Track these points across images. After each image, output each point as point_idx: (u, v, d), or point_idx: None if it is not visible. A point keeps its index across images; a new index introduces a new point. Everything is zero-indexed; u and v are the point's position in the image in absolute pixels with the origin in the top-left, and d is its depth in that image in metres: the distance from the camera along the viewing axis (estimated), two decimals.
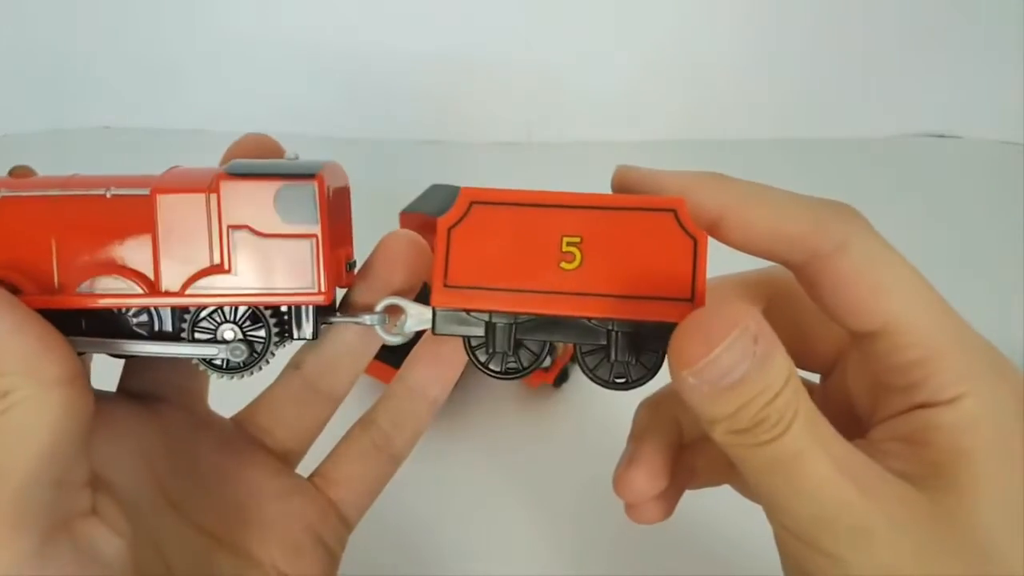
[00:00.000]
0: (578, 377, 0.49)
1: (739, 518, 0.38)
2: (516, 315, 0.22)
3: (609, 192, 0.24)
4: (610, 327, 0.22)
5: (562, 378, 0.48)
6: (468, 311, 0.22)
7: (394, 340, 0.25)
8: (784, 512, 0.20)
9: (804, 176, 0.74)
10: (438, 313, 0.23)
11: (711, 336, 0.18)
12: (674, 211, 0.22)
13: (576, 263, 0.22)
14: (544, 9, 0.75)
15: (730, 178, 0.23)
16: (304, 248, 0.22)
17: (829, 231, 0.21)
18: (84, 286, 0.22)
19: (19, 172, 0.25)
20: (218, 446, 0.27)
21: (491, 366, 0.23)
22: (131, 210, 0.23)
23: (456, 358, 0.28)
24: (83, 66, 0.80)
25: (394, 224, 0.51)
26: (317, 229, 0.22)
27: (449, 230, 0.22)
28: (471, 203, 0.22)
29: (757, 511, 0.22)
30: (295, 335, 0.24)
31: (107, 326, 0.23)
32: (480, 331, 0.23)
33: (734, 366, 0.18)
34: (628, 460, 0.27)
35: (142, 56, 0.80)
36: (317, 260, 0.23)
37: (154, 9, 0.77)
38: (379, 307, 0.24)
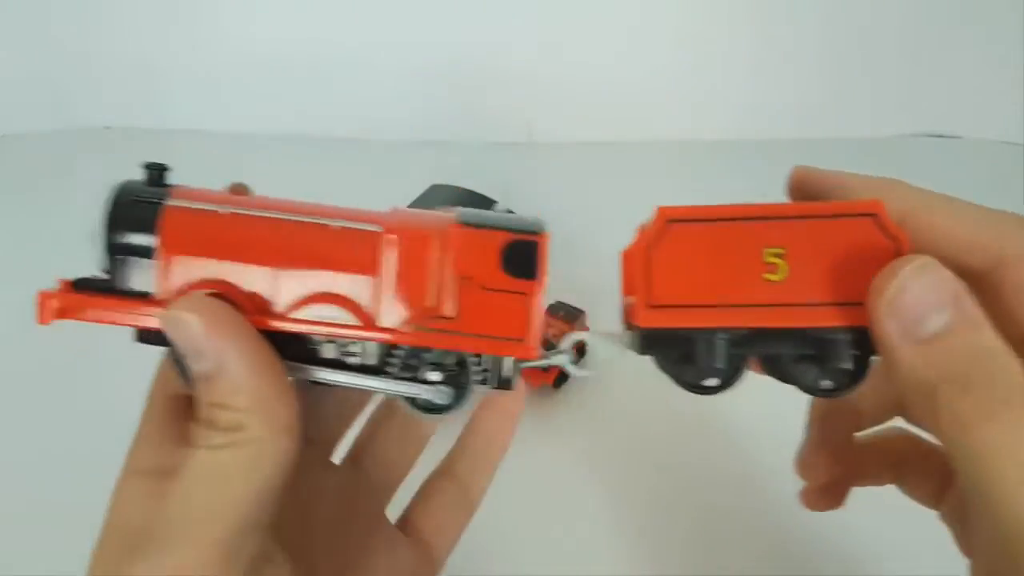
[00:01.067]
0: (578, 378, 0.49)
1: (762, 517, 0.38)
2: (726, 330, 0.22)
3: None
4: (822, 335, 0.22)
5: (562, 379, 0.48)
6: (676, 329, 0.22)
7: (583, 374, 0.25)
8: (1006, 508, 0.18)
9: None
10: (644, 334, 0.23)
11: (897, 267, 0.20)
12: (874, 215, 0.22)
13: (781, 274, 0.22)
14: (545, 10, 0.75)
15: (912, 185, 0.24)
16: (521, 302, 0.23)
17: (1014, 239, 0.22)
18: (301, 311, 0.22)
19: (237, 189, 0.25)
20: (338, 492, 0.27)
21: (700, 382, 0.23)
22: (357, 244, 0.23)
23: (519, 404, 0.29)
24: (83, 66, 0.80)
25: None
26: (537, 285, 0.23)
27: (648, 249, 0.22)
28: (668, 221, 0.22)
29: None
30: (493, 383, 0.24)
31: (300, 352, 0.23)
32: (682, 348, 0.23)
33: (933, 306, 0.19)
34: (813, 441, 0.27)
35: (142, 56, 0.80)
36: (532, 315, 0.23)
37: (155, 10, 0.78)
38: (565, 344, 0.25)
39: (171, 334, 0.21)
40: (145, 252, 0.22)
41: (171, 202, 0.23)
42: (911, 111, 0.79)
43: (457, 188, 0.53)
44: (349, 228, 0.23)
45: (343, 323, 0.22)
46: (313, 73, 0.79)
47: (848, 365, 0.22)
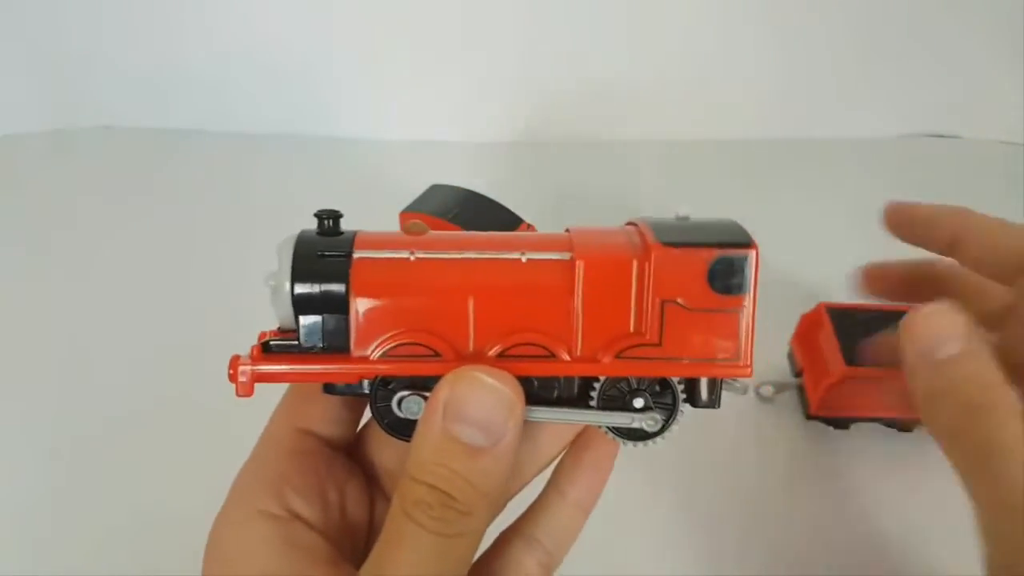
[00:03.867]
0: None
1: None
2: None
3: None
4: None
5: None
6: None
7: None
8: None
9: (804, 176, 0.74)
10: None
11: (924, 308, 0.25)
12: None
13: None
14: (544, 10, 0.75)
15: (974, 212, 0.31)
16: (732, 319, 0.21)
17: None
18: (497, 350, 0.21)
19: (415, 230, 0.23)
20: None
21: None
22: (549, 274, 0.21)
23: (610, 463, 0.27)
24: (83, 66, 0.80)
25: (394, 224, 0.51)
26: (749, 300, 0.21)
27: None
28: None
29: None
30: (697, 403, 0.23)
31: None
32: None
33: (946, 337, 0.23)
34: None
35: (142, 56, 0.80)
36: (746, 332, 0.21)
37: (154, 10, 0.77)
38: None
39: (469, 398, 0.20)
40: (337, 307, 0.21)
41: (358, 253, 0.22)
42: (911, 111, 0.79)
43: (457, 188, 0.53)
44: (539, 259, 0.21)
45: (547, 360, 0.21)
46: (313, 73, 0.79)
47: None
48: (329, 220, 0.22)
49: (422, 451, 0.20)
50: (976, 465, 0.22)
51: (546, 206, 0.51)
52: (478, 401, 0.19)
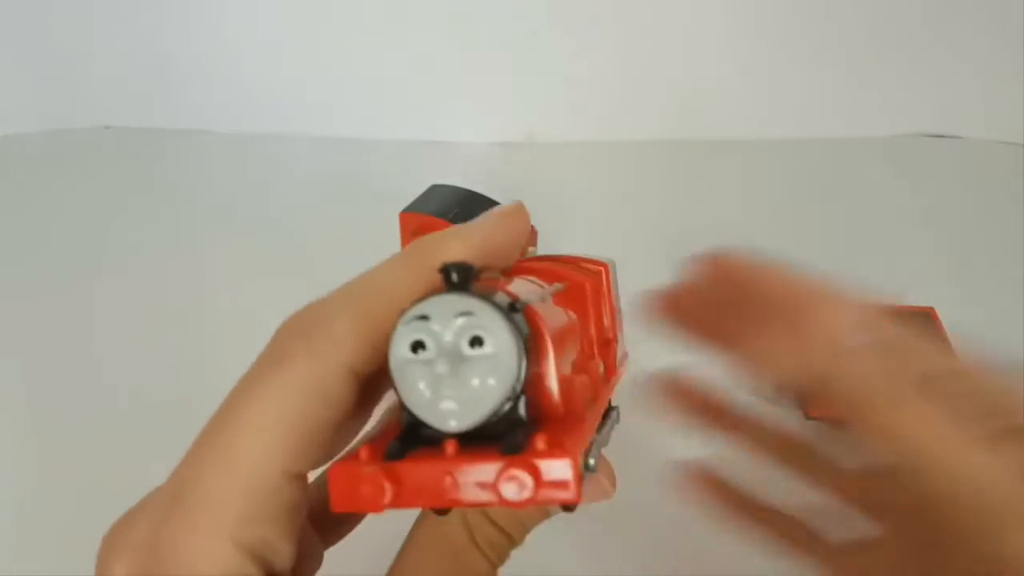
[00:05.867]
0: None
1: None
2: None
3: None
4: None
5: None
6: None
7: None
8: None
9: (804, 176, 0.74)
10: None
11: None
12: None
13: None
14: (543, 10, 0.75)
15: None
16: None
17: None
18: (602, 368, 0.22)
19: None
20: None
21: None
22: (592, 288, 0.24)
23: None
24: (83, 66, 0.80)
25: (394, 224, 0.51)
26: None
27: None
28: None
29: None
30: None
31: None
32: None
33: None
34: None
35: (142, 56, 0.80)
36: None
37: (154, 9, 0.78)
38: None
39: None
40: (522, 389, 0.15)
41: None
42: (911, 111, 0.79)
43: (457, 188, 0.53)
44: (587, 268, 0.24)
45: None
46: (312, 73, 0.79)
47: None
48: (464, 272, 0.16)
49: None
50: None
51: (546, 206, 0.51)
52: None
